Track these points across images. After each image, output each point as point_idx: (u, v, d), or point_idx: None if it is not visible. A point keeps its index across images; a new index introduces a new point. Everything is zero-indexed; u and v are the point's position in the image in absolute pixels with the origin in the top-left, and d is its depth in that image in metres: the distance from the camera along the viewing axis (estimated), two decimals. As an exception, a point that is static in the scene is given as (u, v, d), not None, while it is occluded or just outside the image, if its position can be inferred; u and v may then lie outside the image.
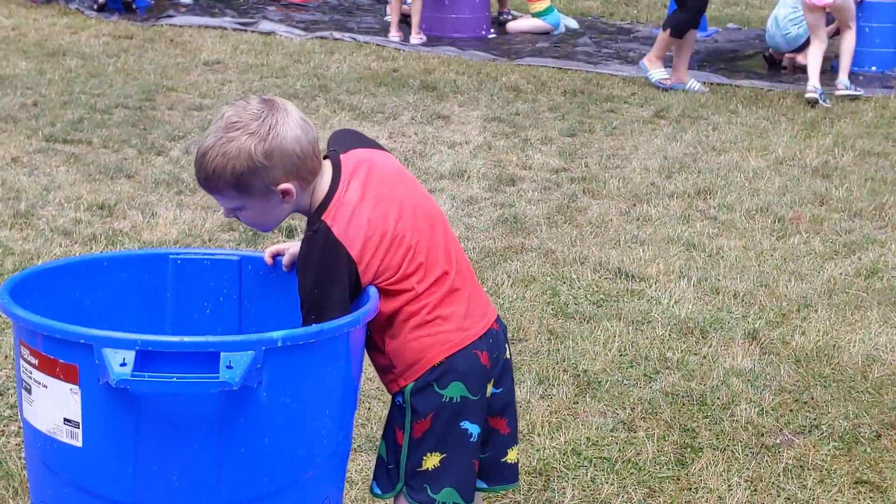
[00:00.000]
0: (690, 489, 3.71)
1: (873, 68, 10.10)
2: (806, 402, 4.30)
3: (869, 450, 3.97)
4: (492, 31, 12.08)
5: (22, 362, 2.49)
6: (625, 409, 4.21)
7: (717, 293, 5.34)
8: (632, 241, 6.05)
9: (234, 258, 2.93)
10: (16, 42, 10.60)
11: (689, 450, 3.94)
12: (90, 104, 8.31)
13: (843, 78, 9.40)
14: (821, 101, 9.01)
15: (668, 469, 3.82)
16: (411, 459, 2.69)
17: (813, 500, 3.66)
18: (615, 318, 5.03)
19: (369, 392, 4.17)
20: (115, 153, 7.19)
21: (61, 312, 2.61)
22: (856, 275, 5.61)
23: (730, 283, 5.45)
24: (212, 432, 2.37)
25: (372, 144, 2.79)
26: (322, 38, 11.29)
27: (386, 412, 2.89)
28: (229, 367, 2.28)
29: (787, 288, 5.42)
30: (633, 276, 5.53)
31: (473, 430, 2.71)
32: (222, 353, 2.29)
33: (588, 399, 4.28)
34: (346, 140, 2.77)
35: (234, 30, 11.52)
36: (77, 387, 2.36)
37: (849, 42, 9.45)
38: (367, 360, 2.75)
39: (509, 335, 4.75)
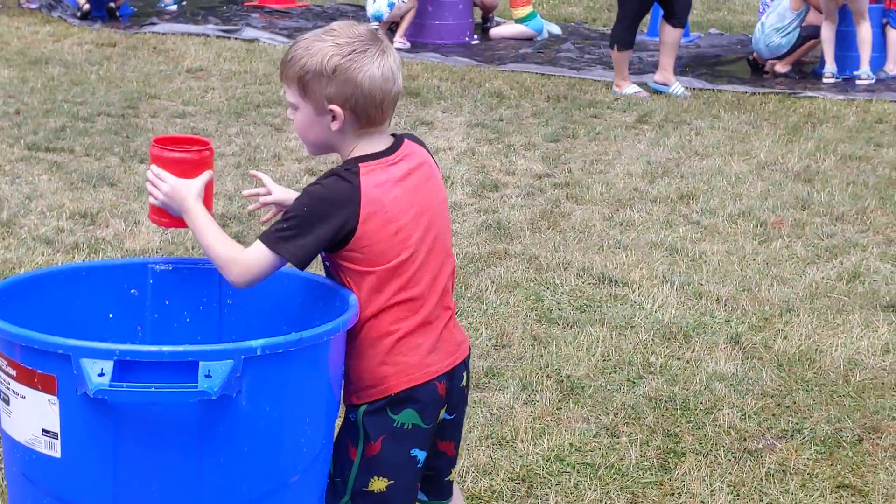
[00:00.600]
0: (673, 494, 3.72)
1: (855, 72, 10.13)
2: (788, 407, 4.31)
3: (851, 454, 3.98)
4: (475, 37, 12.09)
5: (0, 373, 2.48)
6: (608, 414, 4.21)
7: (700, 298, 5.35)
8: (615, 245, 6.05)
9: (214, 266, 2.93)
10: (-2, 50, 10.58)
11: (671, 455, 3.95)
12: (73, 112, 8.30)
13: (865, 68, 9.91)
14: (867, 77, 9.82)
15: (651, 474, 3.82)
16: (359, 479, 2.68)
17: (795, 504, 3.68)
18: (599, 323, 5.03)
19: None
20: (98, 161, 7.18)
21: (42, 322, 2.60)
22: (838, 279, 5.62)
23: (713, 288, 5.46)
24: (192, 441, 2.37)
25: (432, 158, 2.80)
26: (305, 44, 11.27)
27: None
28: (208, 377, 2.28)
29: (769, 292, 5.43)
30: (616, 281, 5.53)
31: (421, 455, 2.72)
32: (201, 363, 2.29)
33: (571, 405, 4.28)
34: (417, 140, 2.77)
35: (218, 37, 11.51)
36: (55, 397, 2.36)
37: (866, 33, 9.92)
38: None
39: (493, 341, 4.78)
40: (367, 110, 2.59)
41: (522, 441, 3.98)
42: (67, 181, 6.75)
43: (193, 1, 13.47)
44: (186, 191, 2.64)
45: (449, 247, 2.74)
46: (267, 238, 2.55)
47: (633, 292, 5.41)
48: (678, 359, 4.70)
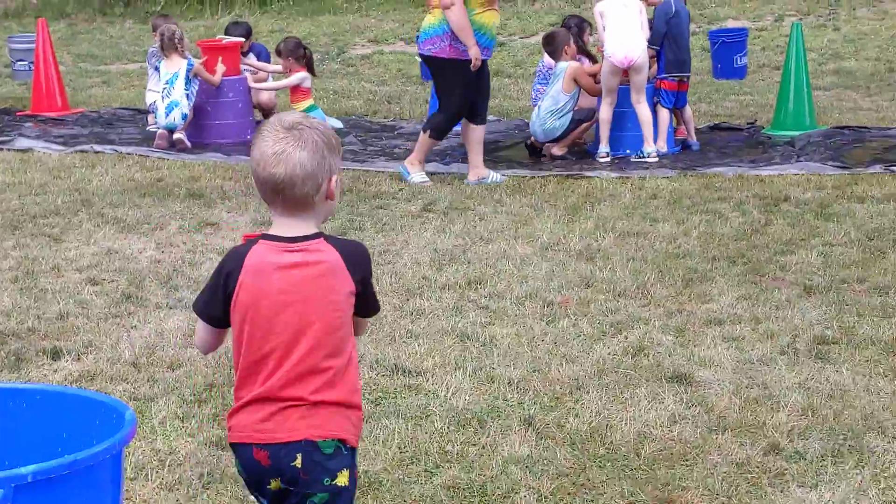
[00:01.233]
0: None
1: (627, 151, 10.49)
2: (583, 485, 4.37)
3: (646, 526, 4.05)
4: (257, 134, 12.05)
5: None
6: (407, 507, 4.18)
7: (493, 381, 5.40)
8: (407, 335, 6.07)
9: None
10: None
11: (472, 543, 3.94)
12: None
13: (652, 147, 10.30)
14: (656, 155, 10.14)
15: (454, 565, 3.80)
16: None
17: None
18: (394, 415, 5.02)
19: None
20: None
21: None
22: (624, 353, 5.76)
23: (504, 371, 5.52)
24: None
25: None
26: (83, 151, 11.04)
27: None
28: (-23, 509, 2.16)
29: (559, 371, 5.52)
30: (409, 371, 5.54)
31: None
32: (-31, 495, 2.17)
33: (370, 500, 4.24)
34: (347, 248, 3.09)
35: (-11, 148, 11.16)
36: None
37: (646, 112, 10.31)
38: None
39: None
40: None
41: (322, 542, 3.91)
42: None
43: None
44: None
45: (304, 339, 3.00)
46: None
47: (427, 381, 5.42)
48: (474, 445, 4.72)
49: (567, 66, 10.32)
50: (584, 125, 10.78)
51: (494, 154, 10.97)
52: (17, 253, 7.56)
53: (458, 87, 9.55)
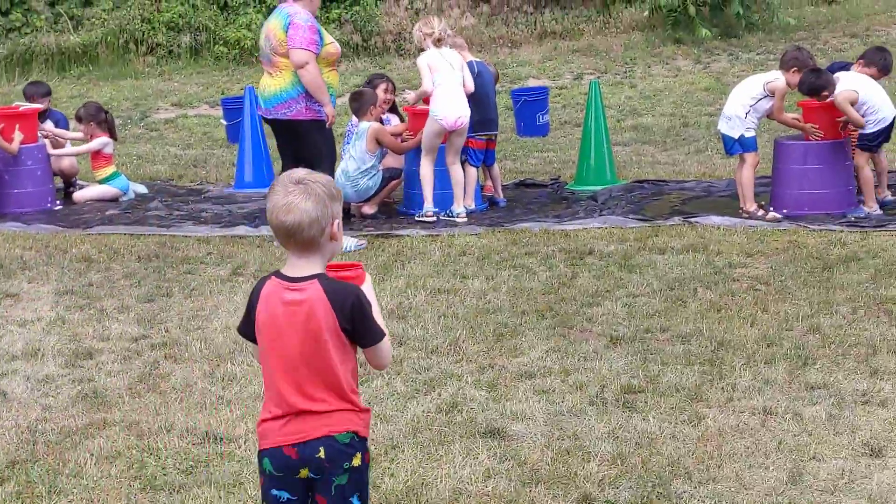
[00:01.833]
0: None
1: (453, 209, 10.57)
2: (401, 544, 4.34)
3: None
4: (58, 202, 11.75)
5: None
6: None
7: (307, 445, 5.33)
8: (218, 402, 5.97)
9: None
10: None
11: None
12: None
13: (462, 207, 10.41)
14: (453, 216, 10.27)
15: None
16: None
17: None
18: (205, 484, 4.92)
19: None
20: None
21: None
22: (437, 411, 5.78)
23: (318, 434, 5.46)
24: None
25: None
26: None
27: None
28: None
29: (374, 431, 5.49)
30: (221, 438, 5.45)
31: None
32: None
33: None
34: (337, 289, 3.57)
35: None
36: None
37: (459, 172, 10.39)
38: None
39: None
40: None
41: None
42: None
43: None
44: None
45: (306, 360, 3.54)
46: None
47: (240, 448, 5.33)
48: (289, 511, 4.64)
49: (368, 127, 10.37)
50: (393, 183, 10.86)
51: (303, 215, 10.93)
52: None
53: (323, 145, 9.58)
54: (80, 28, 22.08)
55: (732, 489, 4.82)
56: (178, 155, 14.69)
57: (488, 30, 22.57)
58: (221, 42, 21.57)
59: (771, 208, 9.98)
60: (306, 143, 9.47)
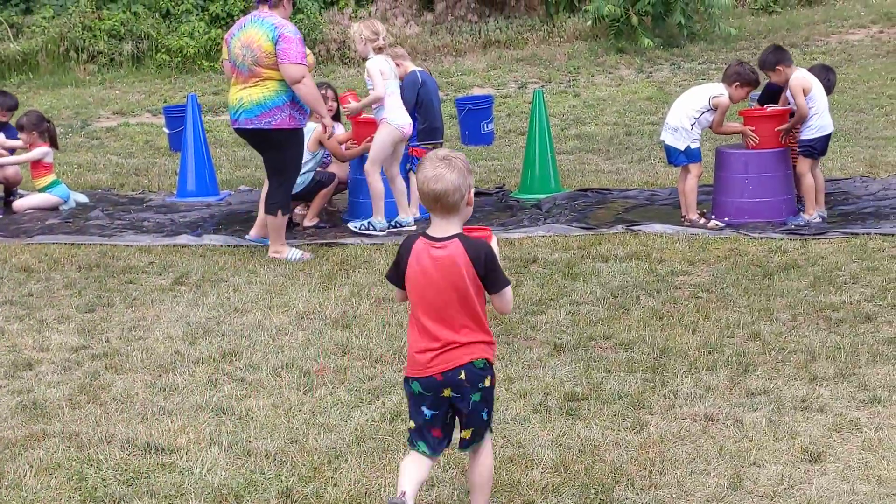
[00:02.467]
0: None
1: (400, 219, 10.56)
2: (344, 554, 4.33)
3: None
4: (-2, 211, 11.63)
5: None
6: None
7: (250, 455, 5.32)
8: (159, 412, 5.92)
9: None
10: None
11: None
12: None
13: (407, 217, 10.42)
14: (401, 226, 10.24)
15: None
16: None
17: None
18: (146, 495, 4.88)
19: None
20: None
21: None
22: (381, 419, 5.76)
23: (261, 444, 5.45)
24: None
25: None
26: None
27: None
28: None
29: (317, 441, 5.48)
30: (162, 449, 5.40)
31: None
32: None
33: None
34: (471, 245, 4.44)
35: None
36: None
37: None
38: None
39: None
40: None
41: None
42: None
43: None
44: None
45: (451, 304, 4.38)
46: None
47: (181, 458, 5.29)
48: (231, 521, 4.62)
49: (315, 128, 10.34)
50: (325, 192, 10.76)
51: (248, 224, 10.88)
52: None
53: (297, 156, 9.55)
54: (20, 36, 21.88)
55: (674, 495, 4.85)
56: (120, 163, 14.57)
57: (432, 38, 22.60)
58: (164, 50, 21.44)
59: (712, 216, 10.07)
60: (281, 151, 9.41)
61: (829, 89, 10.28)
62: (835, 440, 5.36)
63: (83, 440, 5.54)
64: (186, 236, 10.25)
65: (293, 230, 10.53)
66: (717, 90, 9.95)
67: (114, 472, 5.16)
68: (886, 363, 6.32)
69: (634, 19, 21.22)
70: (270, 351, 6.92)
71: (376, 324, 7.40)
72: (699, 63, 20.32)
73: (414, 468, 4.44)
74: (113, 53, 21.45)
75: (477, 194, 11.91)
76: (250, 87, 9.24)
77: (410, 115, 10.39)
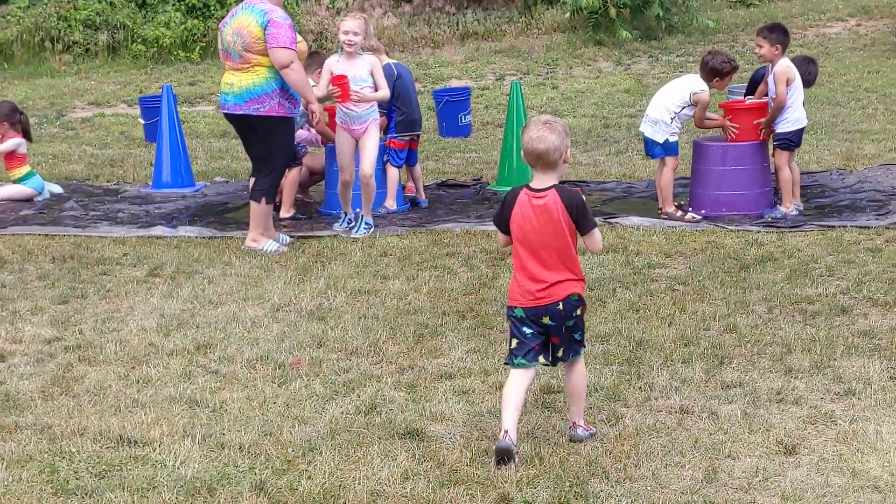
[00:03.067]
0: None
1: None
2: (317, 547, 4.30)
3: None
4: (-28, 202, 11.54)
5: None
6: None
7: (223, 448, 5.28)
8: (133, 405, 5.88)
9: None
10: None
11: None
12: None
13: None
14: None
15: None
16: None
17: None
18: (119, 488, 4.84)
19: None
20: None
21: None
22: (356, 412, 5.74)
23: (235, 436, 5.41)
24: None
25: None
26: None
27: None
28: None
29: (291, 434, 5.45)
30: (135, 442, 5.37)
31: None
32: None
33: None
34: (566, 193, 5.30)
35: None
36: None
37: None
38: None
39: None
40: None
41: None
42: None
43: None
44: None
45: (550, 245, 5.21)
46: None
47: (154, 451, 5.26)
48: (204, 514, 4.59)
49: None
50: (293, 177, 10.59)
51: (223, 215, 10.85)
52: None
53: (286, 144, 9.51)
54: (-6, 25, 21.72)
55: (649, 488, 4.84)
56: (95, 154, 14.48)
57: (410, 30, 22.56)
58: (139, 40, 21.32)
59: (690, 209, 10.07)
60: (270, 139, 9.36)
61: (810, 82, 10.30)
62: (809, 433, 5.36)
63: (55, 432, 5.50)
64: (161, 228, 10.19)
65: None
66: (697, 85, 9.95)
67: (86, 464, 5.12)
68: (861, 356, 6.33)
69: (612, 11, 21.21)
70: (245, 343, 6.88)
71: (352, 316, 7.37)
72: (677, 55, 20.34)
73: (513, 394, 5.18)
74: (88, 44, 21.31)
75: (454, 186, 11.93)
76: (241, 72, 9.23)
77: (388, 107, 10.34)
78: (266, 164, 9.44)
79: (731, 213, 9.93)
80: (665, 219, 9.87)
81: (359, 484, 4.86)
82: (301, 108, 9.75)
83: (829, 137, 13.47)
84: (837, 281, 7.80)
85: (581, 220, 5.21)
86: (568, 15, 22.05)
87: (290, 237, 9.66)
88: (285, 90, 9.23)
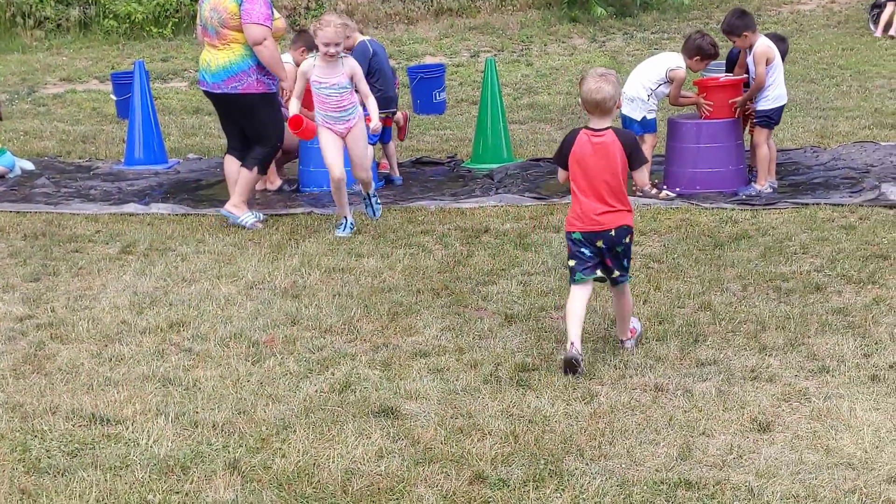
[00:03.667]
0: None
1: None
2: (291, 526, 4.28)
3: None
4: (-58, 178, 11.43)
5: None
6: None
7: (197, 426, 5.26)
8: (105, 383, 5.85)
9: None
10: None
11: None
12: None
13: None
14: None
15: None
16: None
17: None
18: (91, 466, 4.81)
19: None
20: None
21: None
22: (331, 390, 5.72)
23: (208, 415, 5.38)
24: None
25: None
26: None
27: None
28: None
29: (265, 412, 5.42)
30: (108, 420, 5.33)
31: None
32: None
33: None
34: (622, 134, 6.24)
35: None
36: None
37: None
38: None
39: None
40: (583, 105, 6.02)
41: None
42: None
43: None
44: None
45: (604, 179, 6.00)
46: None
47: (127, 429, 5.23)
48: (176, 492, 4.57)
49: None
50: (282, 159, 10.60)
51: (196, 192, 10.79)
52: None
53: (273, 118, 9.45)
54: (-35, 0, 21.51)
55: (623, 465, 4.84)
56: (67, 131, 14.37)
57: (384, 6, 22.46)
58: (111, 16, 21.16)
59: (664, 186, 10.07)
60: (255, 117, 9.34)
61: (781, 58, 10.29)
62: (784, 410, 5.37)
63: (27, 411, 5.46)
64: (134, 205, 10.12)
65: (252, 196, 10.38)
66: (674, 62, 9.93)
67: (58, 443, 5.09)
68: (835, 333, 6.35)
69: (587, -11, 21.19)
70: (219, 321, 6.84)
71: (326, 294, 7.34)
72: (652, 32, 20.33)
73: (577, 305, 5.99)
74: (60, 19, 21.15)
75: (428, 164, 11.90)
76: (217, 50, 9.20)
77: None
78: (262, 142, 9.47)
79: (706, 190, 9.93)
80: (640, 196, 9.86)
81: (333, 462, 4.84)
82: None
83: (804, 115, 13.50)
84: (811, 258, 7.82)
85: (634, 156, 6.01)
86: (543, -8, 22.01)
87: (265, 214, 9.62)
88: (262, 66, 9.18)
